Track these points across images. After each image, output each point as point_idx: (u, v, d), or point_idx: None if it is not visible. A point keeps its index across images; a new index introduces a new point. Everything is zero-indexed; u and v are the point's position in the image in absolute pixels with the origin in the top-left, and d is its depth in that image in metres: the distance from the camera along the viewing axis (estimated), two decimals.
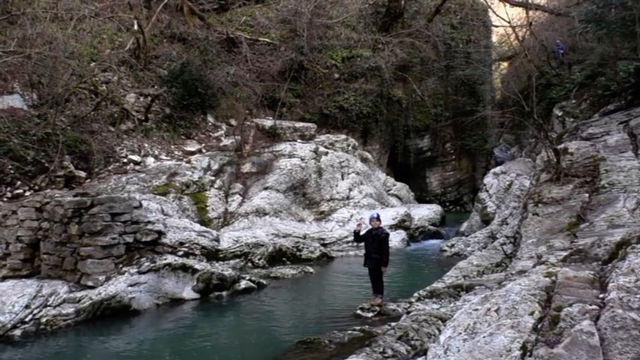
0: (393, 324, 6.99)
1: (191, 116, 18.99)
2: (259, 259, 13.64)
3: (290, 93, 22.67)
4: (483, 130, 28.04)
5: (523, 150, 23.16)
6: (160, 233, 10.96)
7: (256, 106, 21.88)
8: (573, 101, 19.47)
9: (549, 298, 4.68)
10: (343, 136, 22.16)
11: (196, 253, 12.37)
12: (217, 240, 13.35)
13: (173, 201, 14.50)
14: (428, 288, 9.62)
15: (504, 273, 8.98)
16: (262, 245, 13.98)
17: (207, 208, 15.52)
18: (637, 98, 15.09)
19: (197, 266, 10.78)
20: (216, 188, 16.34)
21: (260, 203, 16.53)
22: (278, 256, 14.01)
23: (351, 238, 16.37)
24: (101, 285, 9.55)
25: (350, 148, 21.73)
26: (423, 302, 8.85)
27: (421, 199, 25.15)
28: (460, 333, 4.48)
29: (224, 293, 10.68)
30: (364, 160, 21.97)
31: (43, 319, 8.70)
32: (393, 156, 26.66)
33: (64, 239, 9.94)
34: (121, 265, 9.99)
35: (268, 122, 20.75)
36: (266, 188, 17.21)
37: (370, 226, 9.45)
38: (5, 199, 12.29)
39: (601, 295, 4.54)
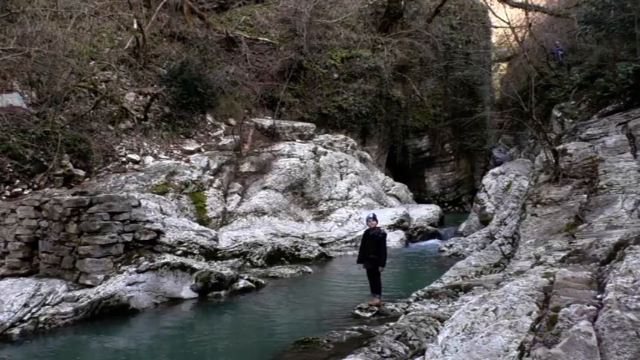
0: (391, 324, 6.99)
1: (190, 115, 18.99)
2: (258, 259, 13.64)
3: (289, 93, 22.67)
4: (482, 131, 28.04)
5: (522, 151, 23.18)
6: (159, 232, 10.95)
7: (255, 105, 21.89)
8: (572, 102, 19.49)
9: (547, 299, 4.70)
10: (342, 136, 22.18)
11: (195, 252, 12.37)
12: (216, 239, 13.35)
13: (172, 200, 14.50)
14: (426, 288, 9.63)
15: (502, 273, 9.00)
16: (261, 245, 13.98)
17: (206, 208, 15.53)
18: (636, 100, 15.11)
19: (196, 265, 10.78)
20: (215, 188, 16.34)
21: (259, 203, 16.54)
22: (276, 256, 14.02)
23: (350, 238, 16.44)
24: (100, 284, 9.54)
25: (349, 148, 21.74)
26: (421, 302, 8.85)
27: (420, 200, 25.16)
28: (458, 333, 4.50)
29: (222, 293, 10.67)
30: (363, 160, 21.98)
31: (42, 318, 8.70)
32: (391, 156, 26.67)
33: (63, 238, 9.94)
34: (119, 264, 9.98)
35: (267, 122, 20.75)
36: (265, 188, 17.22)
37: (367, 227, 9.48)
38: (4, 198, 12.29)
39: (599, 296, 4.56)
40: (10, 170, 12.84)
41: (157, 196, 14.05)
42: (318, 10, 23.77)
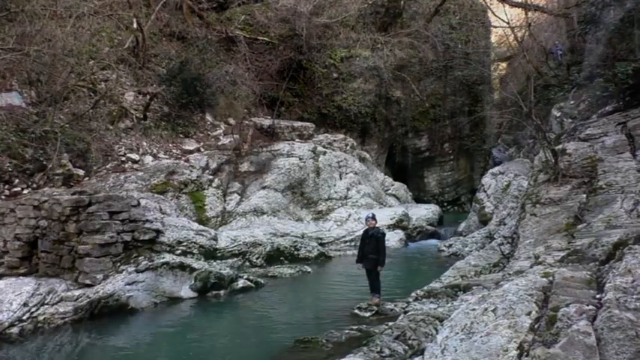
0: (390, 323, 7.00)
1: (190, 115, 18.98)
2: (257, 259, 13.64)
3: (288, 92, 22.68)
4: (482, 131, 28.06)
5: (521, 150, 23.17)
6: (158, 232, 10.96)
7: (255, 105, 21.88)
8: (572, 102, 19.47)
9: (546, 299, 4.70)
10: (341, 136, 22.18)
11: (194, 251, 12.35)
12: (215, 239, 13.34)
13: (171, 200, 14.49)
14: (425, 288, 9.64)
15: (502, 273, 9.00)
16: (260, 244, 13.98)
17: (206, 207, 15.52)
18: (635, 99, 15.10)
19: (195, 265, 10.78)
20: (215, 187, 16.33)
21: (258, 202, 16.54)
22: (276, 256, 14.02)
23: (349, 237, 16.45)
24: (99, 283, 9.54)
25: (348, 147, 21.74)
26: (420, 302, 8.86)
27: (419, 199, 25.17)
28: (457, 333, 4.50)
29: (222, 292, 10.68)
30: (362, 159, 21.98)
31: (41, 318, 8.69)
32: (391, 156, 26.68)
33: (62, 237, 9.94)
34: (118, 264, 9.98)
35: (267, 121, 20.74)
36: (264, 187, 17.21)
37: (366, 226, 9.48)
38: (3, 197, 12.27)
39: (598, 296, 4.56)
40: (10, 169, 12.82)
41: (156, 195, 14.03)
42: (318, 9, 23.73)
